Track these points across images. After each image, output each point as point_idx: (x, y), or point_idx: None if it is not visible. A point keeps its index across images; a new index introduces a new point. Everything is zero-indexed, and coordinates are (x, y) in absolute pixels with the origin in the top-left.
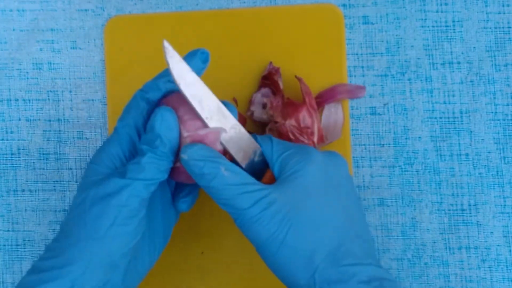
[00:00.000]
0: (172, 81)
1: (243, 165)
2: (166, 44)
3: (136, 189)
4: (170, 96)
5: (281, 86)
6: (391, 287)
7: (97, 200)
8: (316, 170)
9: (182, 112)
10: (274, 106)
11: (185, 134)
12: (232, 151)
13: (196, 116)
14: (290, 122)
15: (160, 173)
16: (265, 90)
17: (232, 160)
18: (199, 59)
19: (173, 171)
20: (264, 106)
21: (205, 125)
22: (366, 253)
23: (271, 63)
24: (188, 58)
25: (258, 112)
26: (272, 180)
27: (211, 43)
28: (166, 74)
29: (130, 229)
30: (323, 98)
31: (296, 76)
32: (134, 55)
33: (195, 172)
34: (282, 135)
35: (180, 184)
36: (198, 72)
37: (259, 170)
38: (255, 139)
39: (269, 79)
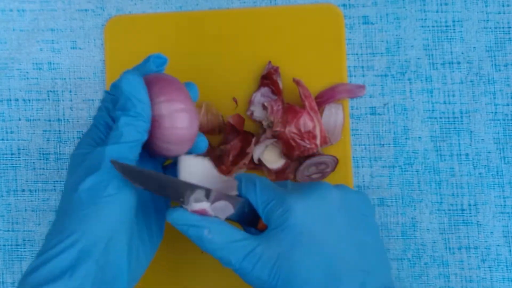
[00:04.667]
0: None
1: (235, 218)
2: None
3: (121, 152)
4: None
5: (281, 85)
6: None
7: (86, 171)
8: (302, 217)
9: (159, 85)
10: (275, 111)
11: (162, 98)
12: (222, 216)
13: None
14: (290, 129)
15: (138, 133)
16: (264, 89)
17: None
18: (152, 64)
19: (152, 144)
20: (264, 107)
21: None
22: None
23: (270, 62)
24: (143, 62)
25: (258, 112)
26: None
27: (211, 43)
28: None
29: (123, 195)
30: (323, 98)
31: (294, 79)
32: (134, 55)
33: (183, 233)
34: (284, 142)
35: (169, 168)
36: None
37: (254, 217)
38: (240, 190)
39: (268, 79)
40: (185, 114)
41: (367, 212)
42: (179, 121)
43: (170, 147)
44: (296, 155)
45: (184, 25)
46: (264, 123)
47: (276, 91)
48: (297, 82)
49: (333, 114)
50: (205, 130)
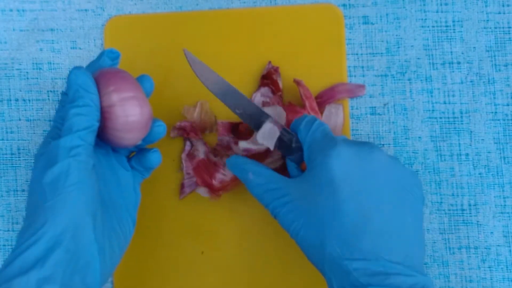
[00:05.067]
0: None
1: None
2: (187, 52)
3: (74, 141)
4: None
5: (281, 85)
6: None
7: (46, 165)
8: (341, 165)
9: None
10: None
11: (110, 88)
12: (270, 142)
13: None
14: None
15: (89, 121)
16: (264, 89)
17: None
18: (106, 58)
19: (107, 135)
20: (264, 104)
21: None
22: (395, 254)
23: (270, 62)
24: (97, 57)
25: None
26: None
27: (211, 43)
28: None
29: (84, 184)
30: (323, 98)
31: (294, 80)
32: (134, 55)
33: (238, 177)
34: None
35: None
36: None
37: (299, 155)
38: (295, 127)
39: (268, 79)
40: (134, 101)
41: (416, 195)
42: (130, 108)
43: (124, 135)
44: None
45: (184, 25)
46: None
47: (276, 91)
48: (297, 83)
49: (333, 114)
50: (198, 128)
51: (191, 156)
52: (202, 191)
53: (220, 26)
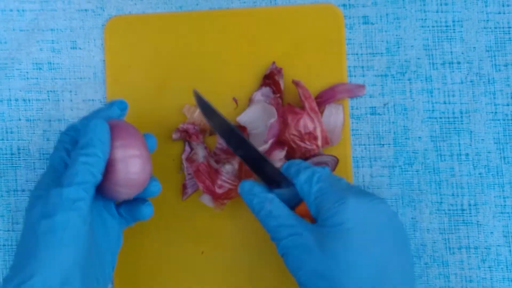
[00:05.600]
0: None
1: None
2: (196, 92)
3: (76, 194)
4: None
5: (282, 86)
6: None
7: (43, 214)
8: (356, 216)
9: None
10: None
11: (118, 143)
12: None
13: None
14: (290, 132)
15: (93, 175)
16: (265, 89)
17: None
18: (117, 108)
19: (103, 186)
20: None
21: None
22: None
23: (274, 63)
24: (108, 106)
25: None
26: (306, 213)
27: (211, 43)
28: (85, 118)
29: (79, 239)
30: (323, 98)
31: (293, 80)
32: (134, 55)
33: (248, 203)
34: (284, 144)
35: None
36: (118, 117)
37: (290, 197)
38: (292, 173)
39: (270, 79)
40: (138, 160)
41: (405, 242)
42: (132, 166)
43: (121, 190)
44: (298, 156)
45: (184, 25)
46: None
47: (276, 91)
48: (296, 83)
49: (333, 114)
50: (199, 130)
51: (190, 160)
52: (207, 200)
53: (220, 26)
